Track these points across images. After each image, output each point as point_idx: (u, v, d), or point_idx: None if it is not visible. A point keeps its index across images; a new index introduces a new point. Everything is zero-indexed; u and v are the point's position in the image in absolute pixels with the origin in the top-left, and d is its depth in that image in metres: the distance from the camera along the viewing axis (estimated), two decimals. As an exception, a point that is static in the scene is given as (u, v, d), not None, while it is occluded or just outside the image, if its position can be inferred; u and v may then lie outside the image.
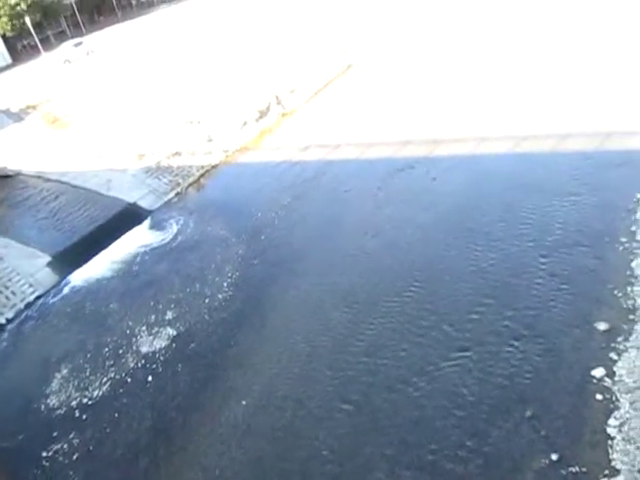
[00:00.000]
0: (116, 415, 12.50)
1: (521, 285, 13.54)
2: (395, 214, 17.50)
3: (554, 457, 9.33)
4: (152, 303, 15.68)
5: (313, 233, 17.61)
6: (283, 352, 13.13)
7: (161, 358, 13.76)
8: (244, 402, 12.01)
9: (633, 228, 14.47)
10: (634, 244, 13.96)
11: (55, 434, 12.39)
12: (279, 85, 27.80)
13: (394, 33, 34.23)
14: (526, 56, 26.66)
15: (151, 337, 14.47)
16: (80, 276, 17.89)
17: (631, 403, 9.93)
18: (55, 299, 17.20)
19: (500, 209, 16.53)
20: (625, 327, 11.58)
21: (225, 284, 15.83)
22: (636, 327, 11.49)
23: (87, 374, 13.83)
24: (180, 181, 21.98)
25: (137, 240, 19.02)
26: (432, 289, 14.05)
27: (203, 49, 35.41)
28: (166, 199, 21.13)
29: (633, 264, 13.29)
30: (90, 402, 13.01)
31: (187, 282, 16.27)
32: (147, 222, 20.02)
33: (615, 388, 10.31)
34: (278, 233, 17.98)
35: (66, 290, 17.49)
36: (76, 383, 13.63)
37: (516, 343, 11.89)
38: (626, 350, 11.04)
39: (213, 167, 22.93)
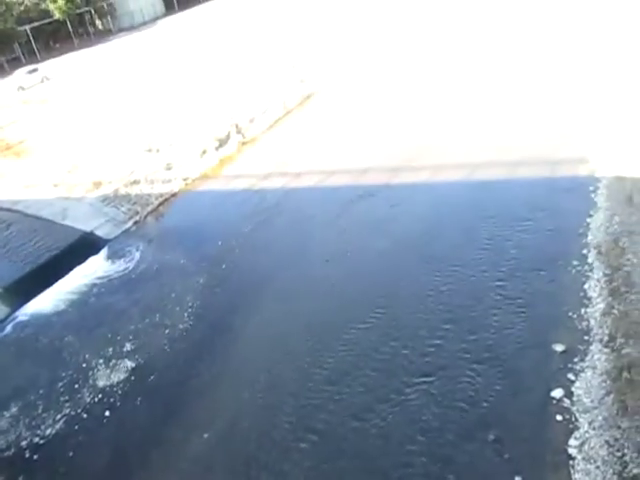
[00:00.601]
0: (71, 454, 11.96)
1: (480, 309, 13.81)
2: (357, 241, 17.66)
3: (518, 480, 9.44)
4: (109, 335, 15.21)
5: (275, 260, 17.55)
6: (246, 382, 12.90)
7: (119, 392, 13.30)
8: (206, 435, 11.69)
9: (584, 251, 15.04)
10: (586, 267, 14.49)
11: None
12: (239, 113, 27.96)
13: (355, 59, 35.07)
14: (485, 81, 27.70)
15: (109, 370, 14.00)
16: (33, 308, 17.24)
17: (589, 423, 10.17)
18: (5, 333, 16.49)
19: (458, 235, 16.91)
20: (581, 348, 11.93)
21: (186, 314, 15.54)
22: (591, 347, 11.85)
23: (39, 411, 13.20)
24: (139, 209, 21.65)
25: (93, 270, 18.53)
26: (394, 315, 14.16)
27: (161, 76, 35.36)
28: (124, 228, 20.74)
29: (586, 286, 13.76)
30: (42, 441, 12.41)
31: (146, 312, 15.89)
32: (104, 252, 19.56)
33: (574, 408, 10.55)
34: (240, 261, 17.84)
35: (17, 323, 16.80)
36: (27, 421, 12.99)
37: (477, 367, 12.05)
38: (583, 370, 11.35)
39: (172, 195, 22.70)
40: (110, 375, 13.81)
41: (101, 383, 13.63)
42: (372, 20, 42.31)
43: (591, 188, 17.79)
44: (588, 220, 16.30)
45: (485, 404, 11.16)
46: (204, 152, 24.94)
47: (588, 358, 11.62)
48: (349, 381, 12.30)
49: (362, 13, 44.63)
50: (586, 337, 12.21)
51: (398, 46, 37.61)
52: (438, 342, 12.95)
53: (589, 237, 15.57)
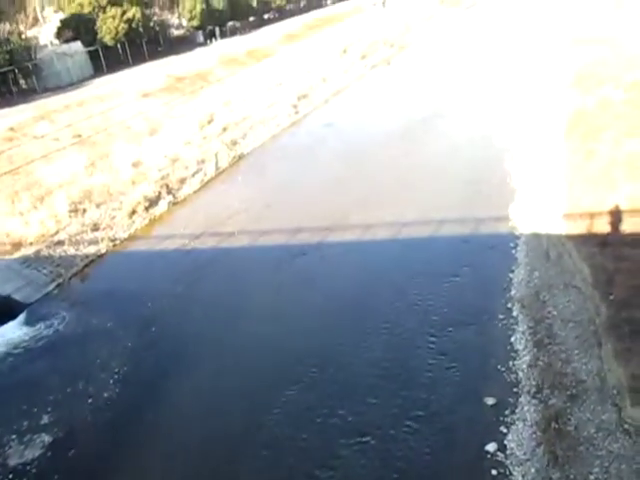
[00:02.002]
0: None
1: (413, 365, 14.00)
2: (291, 300, 17.63)
3: (458, 539, 9.33)
4: (25, 407, 14.05)
5: (208, 322, 17.11)
6: (177, 452, 12.23)
7: (33, 470, 12.18)
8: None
9: (509, 305, 15.72)
10: (511, 320, 15.12)
11: None
12: (169, 174, 27.79)
13: (280, 117, 36.16)
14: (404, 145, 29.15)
15: (22, 446, 12.83)
16: (-63, 382, 15.73)
17: (523, 475, 10.32)
18: None
19: (389, 292, 17.27)
20: (511, 400, 12.25)
21: (112, 381, 14.68)
22: (520, 399, 12.19)
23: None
24: (62, 272, 20.64)
25: (10, 337, 17.27)
26: (329, 374, 14.05)
27: (84, 133, 34.76)
28: (45, 291, 19.64)
29: (512, 339, 14.31)
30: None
31: (68, 381, 14.87)
32: (22, 317, 18.34)
33: (508, 462, 10.70)
34: (170, 323, 17.26)
35: None
36: None
37: (412, 424, 12.07)
38: (514, 423, 11.61)
39: (99, 257, 21.88)
40: (23, 452, 12.67)
41: (12, 461, 12.46)
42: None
43: (511, 245, 18.85)
44: (510, 275, 17.15)
45: (421, 462, 11.13)
46: (133, 212, 24.41)
47: (518, 410, 11.92)
48: (286, 444, 11.94)
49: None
50: (515, 389, 12.58)
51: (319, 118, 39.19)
52: (373, 400, 12.91)
53: (512, 291, 16.34)
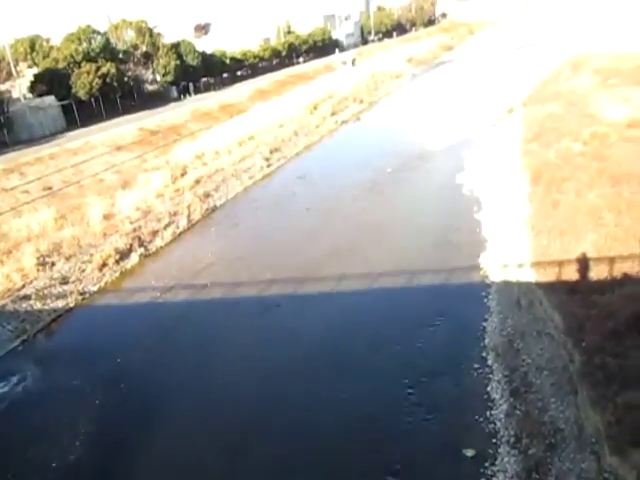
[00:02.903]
0: None
1: (391, 418, 13.78)
2: (265, 354, 17.33)
3: None
4: (-17, 473, 13.28)
5: (179, 377, 16.65)
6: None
7: None
8: None
9: (484, 354, 15.76)
10: (486, 369, 15.13)
11: None
12: (141, 226, 27.60)
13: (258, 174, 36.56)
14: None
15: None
16: None
17: (506, 530, 10.08)
18: None
19: (364, 344, 17.17)
20: (490, 451, 12.10)
21: (78, 442, 14.02)
22: (499, 450, 12.06)
23: None
24: (27, 327, 19.97)
25: (-31, 397, 16.46)
26: (306, 429, 13.73)
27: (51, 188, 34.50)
28: (9, 348, 18.91)
29: (488, 388, 14.27)
30: None
31: (29, 443, 14.15)
32: (-17, 375, 17.56)
33: (490, 516, 10.46)
34: (140, 380, 16.75)
35: None
36: None
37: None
38: (494, 475, 11.44)
39: (67, 311, 21.31)
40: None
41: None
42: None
43: (483, 293, 19.08)
44: (484, 324, 17.29)
45: (403, 519, 10.79)
46: (104, 265, 24.01)
47: (498, 461, 11.77)
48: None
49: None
50: (494, 439, 12.46)
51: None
52: (352, 456, 12.61)
53: (486, 340, 16.43)
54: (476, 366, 15.30)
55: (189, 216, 29.76)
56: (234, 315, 19.95)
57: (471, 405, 13.79)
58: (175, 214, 29.54)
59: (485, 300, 18.69)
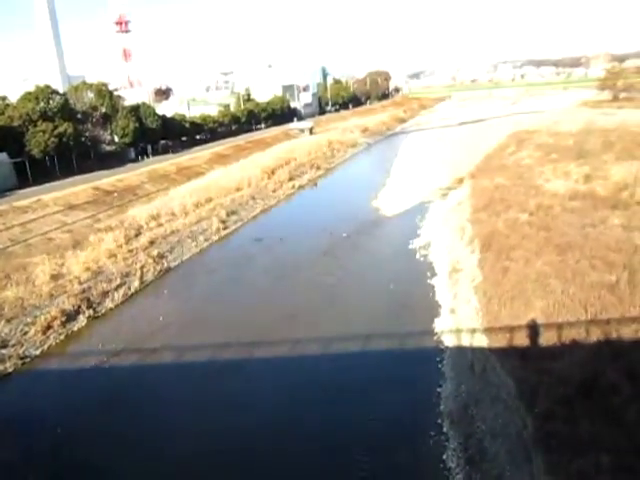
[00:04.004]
0: None
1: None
2: (214, 423, 16.71)
3: None
4: None
5: (125, 447, 15.75)
6: None
7: None
8: None
9: (439, 421, 15.66)
10: (442, 437, 15.00)
11: None
12: (90, 287, 26.76)
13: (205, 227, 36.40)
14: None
15: None
16: None
17: None
18: None
19: (318, 414, 16.83)
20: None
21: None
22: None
23: None
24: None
25: None
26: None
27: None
28: None
29: (444, 456, 14.10)
30: None
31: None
32: None
33: None
34: (82, 450, 15.72)
35: None
36: None
37: None
38: None
39: (5, 376, 20.07)
40: None
41: None
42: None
43: (438, 358, 19.19)
44: (439, 390, 17.28)
45: None
46: (49, 327, 22.97)
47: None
48: None
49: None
50: (452, 511, 12.19)
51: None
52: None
53: (441, 406, 16.38)
54: (432, 433, 15.16)
55: (142, 277, 29.15)
56: (184, 381, 19.23)
57: (427, 475, 13.55)
58: (127, 275, 28.87)
59: (439, 365, 18.78)
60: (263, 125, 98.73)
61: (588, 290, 18.53)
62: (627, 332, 15.87)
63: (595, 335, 16.05)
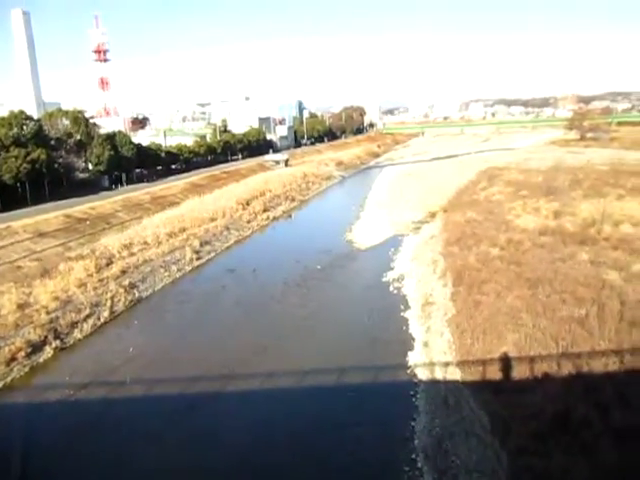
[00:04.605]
0: None
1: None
2: (183, 460, 16.23)
3: None
4: None
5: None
6: None
7: None
8: None
9: (413, 456, 15.51)
10: (416, 472, 14.85)
11: None
12: (58, 317, 26.07)
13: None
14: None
15: None
16: None
17: None
18: None
19: (291, 450, 16.55)
20: None
21: None
22: None
23: None
24: None
25: None
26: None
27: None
28: None
29: (418, 493, 13.92)
30: None
31: None
32: None
33: None
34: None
35: None
36: None
37: None
38: None
39: (-37, 410, 19.27)
40: None
41: None
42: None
43: (412, 392, 19.11)
44: (412, 424, 17.16)
45: None
46: (12, 359, 22.19)
47: None
48: None
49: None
50: None
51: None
52: None
53: (416, 441, 16.25)
54: (406, 469, 15.00)
55: (112, 307, 28.54)
56: (153, 416, 18.70)
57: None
58: (97, 305, 28.26)
59: (414, 399, 18.69)
60: (240, 156, 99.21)
61: (559, 324, 18.85)
62: (597, 365, 16.13)
63: (566, 368, 16.26)
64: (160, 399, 19.81)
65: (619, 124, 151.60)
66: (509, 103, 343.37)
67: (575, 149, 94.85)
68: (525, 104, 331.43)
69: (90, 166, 62.20)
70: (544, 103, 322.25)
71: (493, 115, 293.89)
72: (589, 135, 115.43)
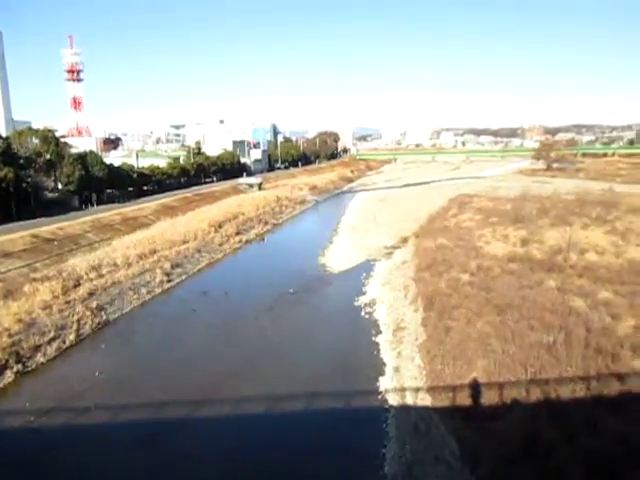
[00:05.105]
0: None
1: None
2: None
3: None
4: None
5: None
6: None
7: None
8: None
9: (385, 483, 15.39)
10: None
11: None
12: (21, 340, 25.28)
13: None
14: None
15: None
16: None
17: None
18: None
19: (259, 476, 16.26)
20: None
21: None
22: None
23: None
24: None
25: None
26: None
27: None
28: None
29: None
30: None
31: None
32: None
33: None
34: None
35: None
36: None
37: None
38: None
39: None
40: None
41: None
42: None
43: (382, 418, 19.03)
44: (383, 450, 17.07)
45: None
46: (-30, 383, 21.41)
47: None
48: None
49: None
50: None
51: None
52: None
53: (386, 468, 16.15)
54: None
55: (78, 330, 27.82)
56: (118, 443, 18.16)
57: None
58: (63, 328, 27.51)
59: (384, 425, 18.61)
60: (213, 179, 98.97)
61: (527, 350, 19.10)
62: (565, 391, 16.35)
63: (534, 395, 16.44)
64: (126, 426, 19.27)
65: (583, 155, 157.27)
66: (478, 133, 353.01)
67: (542, 179, 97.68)
68: (494, 134, 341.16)
69: (60, 186, 61.15)
70: (512, 133, 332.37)
71: (463, 144, 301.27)
72: (555, 165, 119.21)
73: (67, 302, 30.50)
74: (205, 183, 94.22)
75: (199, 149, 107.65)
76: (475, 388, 17.67)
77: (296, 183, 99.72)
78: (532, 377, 17.41)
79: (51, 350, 25.50)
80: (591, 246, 33.68)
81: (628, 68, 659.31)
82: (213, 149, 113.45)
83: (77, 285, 33.39)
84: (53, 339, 26.28)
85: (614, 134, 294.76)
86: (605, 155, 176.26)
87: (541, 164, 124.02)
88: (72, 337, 27.10)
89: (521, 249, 34.73)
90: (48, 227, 46.13)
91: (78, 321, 28.50)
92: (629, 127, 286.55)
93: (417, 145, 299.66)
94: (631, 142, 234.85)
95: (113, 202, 65.66)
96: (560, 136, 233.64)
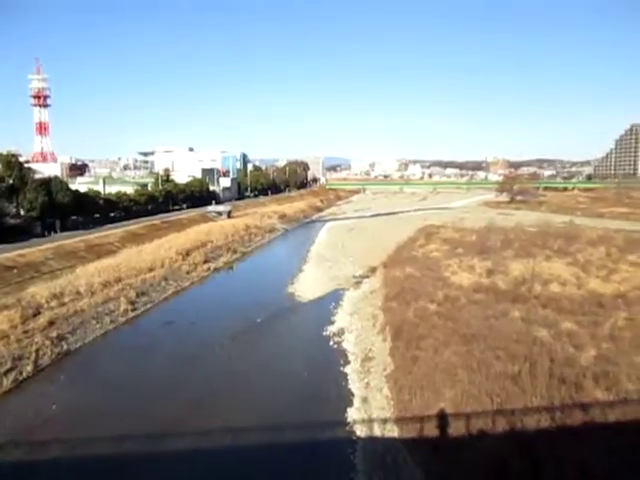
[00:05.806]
0: None
1: None
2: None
3: None
4: None
5: None
6: None
7: None
8: None
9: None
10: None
11: None
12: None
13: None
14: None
15: None
16: None
17: None
18: None
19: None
20: None
21: None
22: None
23: None
24: None
25: None
26: None
27: None
28: None
29: None
30: None
31: None
32: None
33: None
34: None
35: None
36: None
37: None
38: None
39: None
40: None
41: None
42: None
43: (349, 450, 18.75)
44: (350, 481, 16.77)
45: None
46: None
47: None
48: None
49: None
50: None
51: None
52: None
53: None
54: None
55: (36, 361, 26.79)
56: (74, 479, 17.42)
57: None
58: (20, 358, 26.45)
59: (351, 457, 18.34)
60: (184, 206, 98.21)
61: (493, 380, 19.22)
62: (530, 422, 16.44)
63: (501, 425, 16.48)
64: (83, 460, 18.48)
65: (545, 189, 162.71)
66: (445, 165, 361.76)
67: (506, 211, 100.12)
68: (460, 167, 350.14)
69: (22, 212, 59.71)
70: (477, 166, 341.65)
71: (430, 176, 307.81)
72: (518, 198, 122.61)
73: (25, 332, 29.43)
74: (174, 210, 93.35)
75: (167, 176, 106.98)
76: (443, 419, 17.63)
77: (265, 211, 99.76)
78: (498, 407, 17.48)
79: (7, 382, 24.43)
80: (554, 277, 34.47)
81: (586, 108, 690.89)
82: (182, 177, 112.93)
83: (37, 314, 32.31)
84: (9, 370, 25.21)
85: (574, 169, 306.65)
86: (566, 189, 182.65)
87: (505, 196, 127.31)
88: (29, 368, 26.06)
89: (486, 279, 35.29)
90: (8, 254, 44.76)
91: (37, 351, 27.47)
92: (587, 162, 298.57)
93: (385, 176, 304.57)
94: (589, 177, 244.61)
95: (78, 229, 64.30)
96: (523, 170, 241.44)
